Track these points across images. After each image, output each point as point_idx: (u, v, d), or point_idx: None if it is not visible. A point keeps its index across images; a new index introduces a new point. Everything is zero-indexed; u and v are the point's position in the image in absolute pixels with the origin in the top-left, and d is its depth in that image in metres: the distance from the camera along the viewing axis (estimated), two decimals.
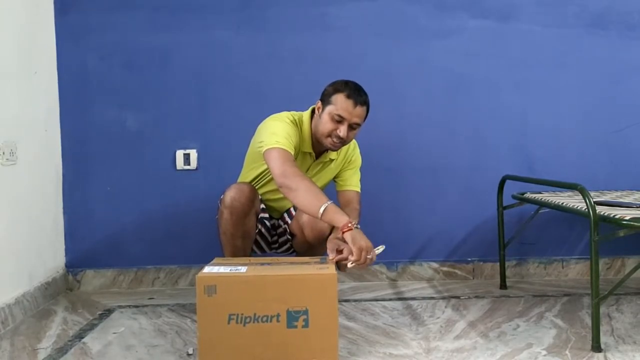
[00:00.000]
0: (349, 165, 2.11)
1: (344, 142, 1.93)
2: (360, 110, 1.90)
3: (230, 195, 1.90)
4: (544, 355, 1.69)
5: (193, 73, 2.56)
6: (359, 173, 2.14)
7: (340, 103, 1.88)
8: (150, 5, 2.53)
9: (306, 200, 1.77)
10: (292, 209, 2.08)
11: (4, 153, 2.04)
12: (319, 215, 1.74)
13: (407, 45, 2.60)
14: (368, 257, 1.70)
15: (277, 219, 2.13)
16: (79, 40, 2.52)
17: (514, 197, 2.43)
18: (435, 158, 2.61)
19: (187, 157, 2.56)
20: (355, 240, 1.69)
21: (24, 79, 2.24)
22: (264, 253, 2.13)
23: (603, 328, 1.86)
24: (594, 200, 1.78)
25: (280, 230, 2.11)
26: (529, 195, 2.38)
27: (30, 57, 2.29)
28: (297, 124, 1.99)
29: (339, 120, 1.89)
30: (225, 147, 2.54)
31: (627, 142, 2.66)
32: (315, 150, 2.03)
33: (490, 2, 2.61)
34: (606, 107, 2.66)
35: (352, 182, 2.10)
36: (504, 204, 2.43)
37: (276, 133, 1.89)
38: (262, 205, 2.06)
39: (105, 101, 2.54)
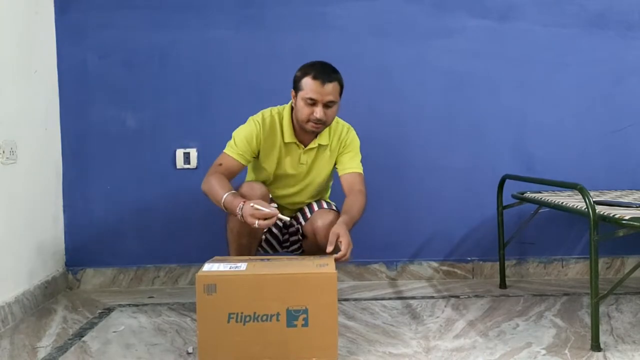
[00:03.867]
0: (345, 149, 2.09)
1: (324, 122, 1.94)
2: (330, 87, 1.90)
3: (241, 192, 1.91)
4: (544, 355, 1.69)
5: (193, 72, 2.56)
6: (359, 154, 2.11)
7: (309, 86, 1.90)
8: (150, 4, 2.53)
9: (212, 196, 1.87)
10: (306, 211, 2.09)
11: (3, 152, 2.04)
12: (224, 209, 1.84)
13: (407, 45, 2.60)
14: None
15: (290, 218, 2.13)
16: (79, 39, 2.52)
17: (513, 196, 2.43)
18: (435, 157, 2.62)
19: (187, 156, 2.56)
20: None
21: (23, 78, 2.24)
22: (276, 252, 2.12)
23: (602, 327, 1.86)
24: (594, 199, 1.78)
25: (293, 229, 2.11)
26: (528, 194, 2.38)
27: (30, 56, 2.29)
28: (275, 118, 2.02)
29: (312, 102, 1.91)
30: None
31: (626, 142, 2.66)
32: (301, 138, 2.03)
33: (489, 2, 2.61)
34: (606, 107, 2.66)
35: (352, 165, 2.07)
36: (504, 204, 2.43)
37: (233, 137, 2.01)
38: (274, 204, 2.07)
39: (105, 100, 2.54)
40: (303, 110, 1.93)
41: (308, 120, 1.93)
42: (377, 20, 2.59)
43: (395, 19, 2.59)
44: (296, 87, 1.96)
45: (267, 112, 2.04)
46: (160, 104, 2.56)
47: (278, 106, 2.07)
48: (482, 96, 2.63)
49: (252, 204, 1.74)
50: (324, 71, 1.91)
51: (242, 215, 1.76)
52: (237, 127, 2.04)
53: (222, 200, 1.82)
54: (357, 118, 2.46)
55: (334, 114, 1.98)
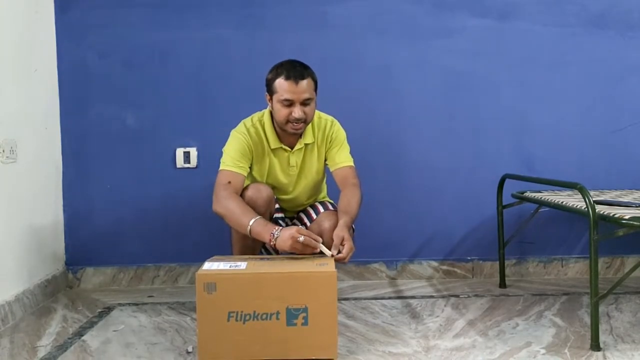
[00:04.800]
0: (332, 144, 2.06)
1: (304, 120, 1.92)
2: (304, 85, 1.87)
3: (248, 194, 1.91)
4: (543, 354, 1.69)
5: (193, 71, 2.56)
6: (347, 146, 2.09)
7: (283, 87, 1.87)
8: (150, 3, 2.53)
9: (234, 221, 1.83)
10: (311, 212, 2.08)
11: (4, 151, 2.04)
12: (248, 234, 1.80)
13: (407, 44, 2.60)
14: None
15: (291, 218, 2.13)
16: (79, 37, 2.52)
17: (513, 196, 2.43)
18: (435, 156, 2.62)
19: (187, 155, 2.56)
20: (279, 248, 1.76)
21: (24, 77, 2.24)
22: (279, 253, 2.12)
23: (602, 327, 1.86)
24: (594, 199, 1.78)
25: None
26: (528, 194, 2.38)
27: (30, 55, 2.29)
28: (257, 126, 2.00)
29: (289, 103, 1.88)
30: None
31: (626, 142, 2.66)
32: (286, 142, 2.01)
33: (490, 1, 2.61)
34: (606, 106, 2.66)
35: (341, 159, 2.05)
36: (504, 203, 2.43)
37: (226, 152, 1.97)
38: (277, 205, 2.06)
39: (105, 99, 2.54)
40: (280, 113, 1.90)
41: (287, 122, 1.90)
42: (377, 19, 2.59)
43: (396, 19, 2.59)
44: (270, 91, 1.93)
45: (247, 121, 2.01)
46: (160, 103, 2.56)
47: (257, 113, 2.04)
48: (482, 95, 2.62)
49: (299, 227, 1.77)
50: (295, 69, 1.88)
51: (276, 238, 1.73)
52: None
53: (249, 226, 1.77)
54: (357, 117, 2.48)
55: (313, 111, 1.96)
